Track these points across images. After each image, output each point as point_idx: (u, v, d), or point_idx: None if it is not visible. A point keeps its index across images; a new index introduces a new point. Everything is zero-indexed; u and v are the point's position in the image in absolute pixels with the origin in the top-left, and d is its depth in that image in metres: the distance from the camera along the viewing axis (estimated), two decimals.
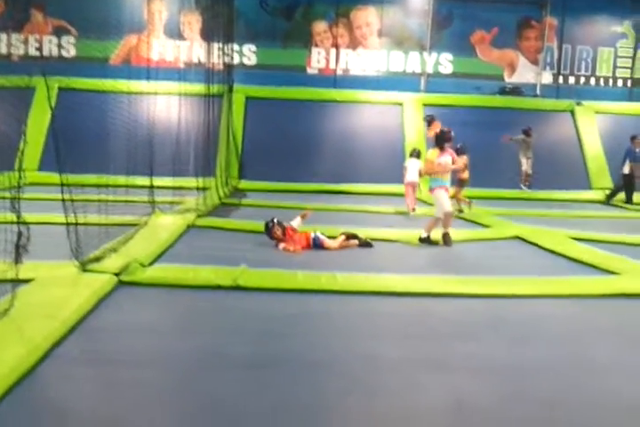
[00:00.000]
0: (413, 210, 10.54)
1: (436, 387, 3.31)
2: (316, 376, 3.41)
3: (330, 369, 3.52)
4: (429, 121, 11.98)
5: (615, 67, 17.41)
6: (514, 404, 3.13)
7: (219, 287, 5.11)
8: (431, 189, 7.89)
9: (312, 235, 7.10)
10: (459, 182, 10.66)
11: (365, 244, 7.26)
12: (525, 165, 14.02)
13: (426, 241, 7.57)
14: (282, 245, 6.98)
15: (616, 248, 7.17)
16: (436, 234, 7.61)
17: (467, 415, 2.99)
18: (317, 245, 7.04)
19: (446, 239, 7.57)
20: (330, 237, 7.18)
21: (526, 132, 13.94)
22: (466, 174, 10.78)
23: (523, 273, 5.93)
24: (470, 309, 4.87)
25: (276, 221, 7.19)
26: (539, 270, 6.14)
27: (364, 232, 7.57)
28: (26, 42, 15.64)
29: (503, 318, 4.65)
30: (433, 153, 7.96)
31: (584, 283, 5.57)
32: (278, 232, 7.07)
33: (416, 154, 11.06)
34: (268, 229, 7.15)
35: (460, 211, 10.57)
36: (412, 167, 10.75)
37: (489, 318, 4.66)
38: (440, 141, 7.95)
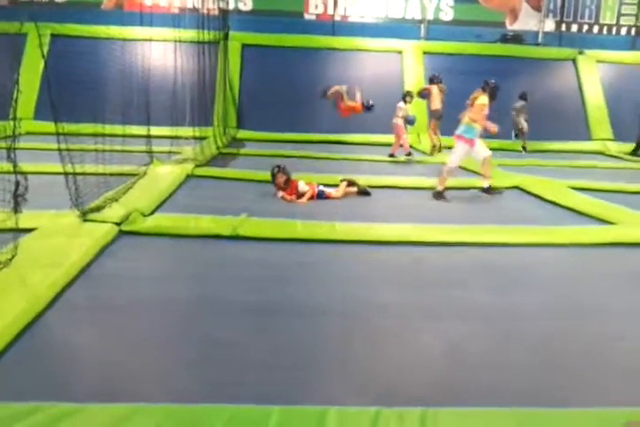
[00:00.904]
0: (409, 154, 10.59)
1: (430, 332, 3.40)
2: (316, 322, 3.49)
3: (328, 315, 3.60)
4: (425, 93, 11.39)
5: (619, 14, 16.97)
6: (506, 348, 3.23)
7: (219, 236, 5.15)
8: (470, 141, 7.34)
9: (316, 189, 7.09)
10: (432, 114, 10.68)
11: (364, 192, 7.30)
12: (525, 125, 13.68)
13: (489, 191, 7.54)
14: (280, 194, 7.00)
15: (614, 198, 7.20)
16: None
17: (459, 359, 3.08)
18: (322, 197, 7.07)
19: (437, 196, 7.31)
20: (330, 186, 7.22)
21: (525, 97, 13.60)
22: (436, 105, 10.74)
23: (521, 222, 5.97)
24: (465, 257, 4.94)
25: (281, 167, 7.13)
26: (537, 220, 6.19)
27: (363, 180, 7.62)
28: None
29: (498, 266, 4.72)
30: (485, 97, 7.32)
31: (580, 232, 5.62)
32: (281, 179, 7.04)
33: (403, 96, 11.00)
34: (273, 176, 7.12)
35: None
36: (396, 109, 10.81)
37: (483, 265, 4.73)
38: (494, 95, 7.41)
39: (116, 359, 2.95)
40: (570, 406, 2.62)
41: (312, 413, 2.45)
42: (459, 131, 7.42)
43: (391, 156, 10.98)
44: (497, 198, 7.56)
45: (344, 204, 6.92)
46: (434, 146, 11.54)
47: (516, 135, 13.94)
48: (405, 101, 10.96)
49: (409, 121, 10.72)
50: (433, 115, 11.29)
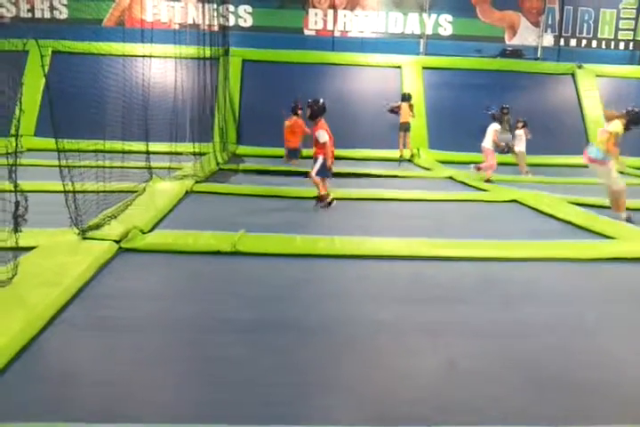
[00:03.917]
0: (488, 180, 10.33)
1: (429, 349, 3.38)
2: (314, 339, 3.47)
3: (327, 332, 3.58)
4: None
5: (617, 29, 17.11)
6: (504, 365, 3.20)
7: (218, 252, 5.15)
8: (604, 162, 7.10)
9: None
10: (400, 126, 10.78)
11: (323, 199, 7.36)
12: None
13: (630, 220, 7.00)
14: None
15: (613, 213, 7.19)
16: None
17: (457, 377, 3.06)
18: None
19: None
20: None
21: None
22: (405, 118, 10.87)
23: (519, 237, 5.97)
24: (465, 272, 4.92)
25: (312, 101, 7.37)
26: (535, 234, 6.18)
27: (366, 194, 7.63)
28: (17, 3, 15.28)
29: (497, 281, 4.71)
30: (620, 125, 7.03)
31: (580, 247, 5.60)
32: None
33: (496, 117, 10.77)
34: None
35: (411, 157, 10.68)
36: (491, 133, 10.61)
37: (483, 281, 4.71)
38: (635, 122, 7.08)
39: (115, 379, 2.93)
40: (568, 425, 2.59)
41: None
42: (596, 155, 7.16)
43: (487, 181, 10.29)
44: (495, 211, 7.55)
45: (343, 217, 6.92)
46: (401, 155, 11.75)
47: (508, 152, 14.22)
48: (501, 122, 10.55)
49: (506, 148, 10.46)
50: (401, 127, 11.58)
